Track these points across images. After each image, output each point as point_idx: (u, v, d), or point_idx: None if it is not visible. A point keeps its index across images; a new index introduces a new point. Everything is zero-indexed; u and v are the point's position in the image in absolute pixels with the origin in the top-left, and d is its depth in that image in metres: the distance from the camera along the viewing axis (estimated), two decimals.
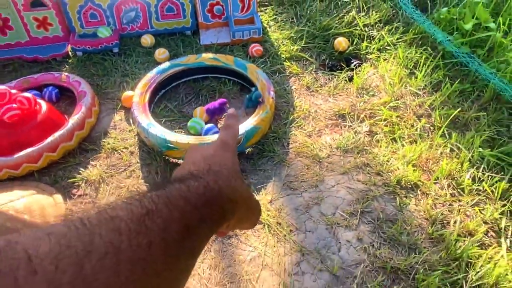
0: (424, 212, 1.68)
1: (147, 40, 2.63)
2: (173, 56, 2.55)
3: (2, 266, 0.25)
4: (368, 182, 1.81)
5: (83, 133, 2.06)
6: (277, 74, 2.43)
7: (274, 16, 2.86)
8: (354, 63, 2.47)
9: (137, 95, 2.13)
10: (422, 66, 2.30)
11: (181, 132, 2.12)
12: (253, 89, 2.14)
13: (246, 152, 2.00)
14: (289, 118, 2.15)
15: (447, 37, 2.38)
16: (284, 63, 2.50)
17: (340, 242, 1.60)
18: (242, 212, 0.46)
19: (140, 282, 0.31)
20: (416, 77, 2.27)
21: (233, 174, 0.47)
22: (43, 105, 2.10)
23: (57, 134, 1.97)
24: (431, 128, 2.04)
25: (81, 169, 1.95)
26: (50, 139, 1.94)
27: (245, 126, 1.96)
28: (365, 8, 2.77)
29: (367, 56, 2.51)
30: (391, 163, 1.87)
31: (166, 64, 2.31)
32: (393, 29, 2.61)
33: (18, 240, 0.27)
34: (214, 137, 1.92)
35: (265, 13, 2.91)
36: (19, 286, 0.25)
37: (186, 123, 2.15)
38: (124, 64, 2.51)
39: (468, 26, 2.34)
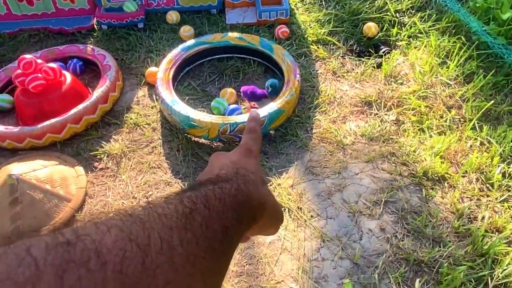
0: (451, 205, 1.63)
1: (172, 16, 2.59)
2: (198, 34, 2.52)
3: (76, 258, 0.26)
4: (393, 171, 1.76)
5: (107, 106, 2.05)
6: (303, 57, 2.38)
7: None
8: (383, 49, 2.40)
9: (161, 71, 2.11)
10: (455, 56, 2.22)
11: (204, 111, 2.10)
12: (269, 81, 2.12)
13: (269, 134, 1.97)
14: (313, 103, 2.11)
15: (483, 26, 2.29)
16: (311, 46, 2.44)
17: (362, 231, 1.56)
18: (267, 218, 0.47)
19: (191, 277, 0.32)
20: (448, 67, 2.19)
21: (259, 179, 0.47)
22: (68, 77, 2.10)
23: (81, 106, 1.96)
24: (461, 120, 1.97)
25: (104, 142, 1.95)
26: (74, 110, 1.94)
27: (269, 108, 1.92)
28: None
29: (397, 43, 2.44)
30: (418, 154, 1.82)
31: (191, 42, 2.27)
32: (426, 16, 2.52)
33: (85, 232, 0.28)
34: (238, 117, 1.89)
35: None
36: (93, 276, 0.26)
37: (209, 103, 2.12)
38: (148, 39, 2.49)
39: (506, 16, 2.24)
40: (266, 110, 1.91)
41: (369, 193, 1.69)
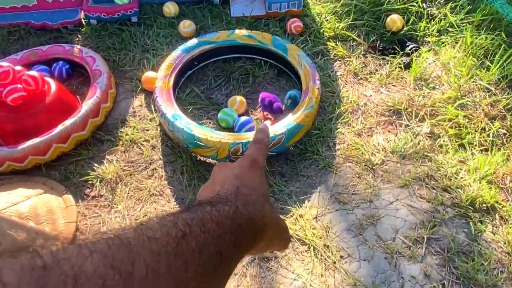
0: (504, 243, 1.40)
1: (170, 8, 2.29)
2: (199, 29, 2.22)
3: (51, 284, 0.25)
4: (434, 200, 1.52)
5: (98, 120, 1.78)
6: (319, 57, 2.10)
7: None
8: (410, 46, 2.12)
9: (160, 78, 1.83)
10: (495, 56, 1.95)
11: (210, 123, 1.84)
12: (289, 92, 1.85)
13: (286, 151, 1.72)
14: (335, 112, 1.85)
15: None
16: (328, 43, 2.16)
17: (403, 277, 1.33)
18: (270, 236, 0.45)
19: None
20: (488, 69, 1.93)
21: (262, 197, 0.46)
22: (52, 85, 1.81)
23: (68, 122, 1.69)
24: (507, 133, 1.72)
25: (96, 164, 1.69)
26: (60, 127, 1.67)
27: (287, 122, 1.66)
28: None
29: (425, 38, 2.16)
30: (460, 177, 1.57)
31: (194, 42, 1.98)
32: (457, 7, 2.23)
33: (65, 256, 0.27)
34: (251, 135, 1.63)
35: None
36: None
37: (215, 112, 1.86)
38: (144, 36, 2.19)
39: None
40: (283, 125, 1.65)
41: (408, 228, 1.45)
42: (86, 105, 1.75)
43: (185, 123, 1.65)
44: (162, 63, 1.92)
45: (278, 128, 1.64)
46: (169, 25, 2.26)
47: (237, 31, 2.03)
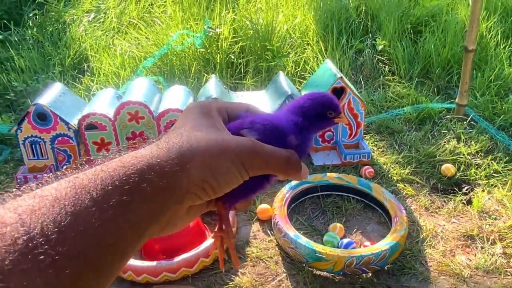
0: None
1: None
2: None
3: None
4: None
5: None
6: (393, 195, 2.59)
7: (375, 143, 3.14)
8: (466, 187, 2.63)
9: (277, 208, 2.31)
10: None
11: None
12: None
13: (386, 268, 2.07)
14: (419, 237, 2.25)
15: None
16: (397, 184, 2.68)
17: None
18: (214, 163, 0.39)
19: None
20: None
21: (190, 129, 0.41)
22: None
23: (209, 241, 2.11)
24: None
25: (232, 276, 2.04)
26: (205, 244, 2.08)
27: (388, 241, 2.06)
28: (463, 138, 3.02)
29: (477, 181, 2.68)
30: None
31: (296, 181, 2.52)
32: (497, 158, 2.81)
33: None
34: (363, 250, 2.02)
35: (366, 139, 3.19)
36: None
37: (318, 237, 2.27)
38: None
39: None
40: (385, 243, 2.05)
41: None
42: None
43: (305, 241, 2.06)
44: (274, 197, 2.42)
45: (382, 246, 2.03)
46: None
47: (328, 173, 2.59)
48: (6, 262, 0.27)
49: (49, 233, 0.29)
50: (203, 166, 0.38)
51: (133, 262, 2.02)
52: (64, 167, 0.36)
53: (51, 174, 0.35)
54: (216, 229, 0.54)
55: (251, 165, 0.41)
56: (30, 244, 0.28)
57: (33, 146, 2.71)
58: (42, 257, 0.28)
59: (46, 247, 0.29)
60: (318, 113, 0.51)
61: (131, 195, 0.34)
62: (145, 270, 2.00)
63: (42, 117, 2.65)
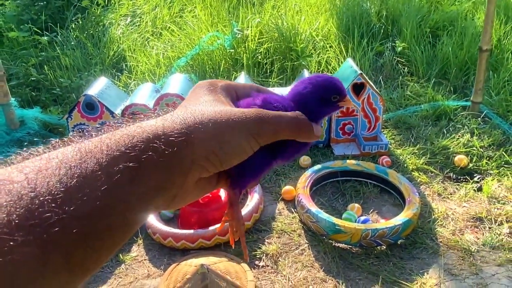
0: None
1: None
2: (313, 162, 3.02)
3: None
4: None
5: (257, 216, 2.45)
6: (408, 180, 2.80)
7: (393, 136, 3.35)
8: (478, 177, 2.81)
9: (300, 188, 2.55)
10: None
11: None
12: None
13: (399, 242, 2.28)
14: (431, 217, 2.45)
15: None
16: (412, 173, 2.89)
17: None
18: (218, 131, 0.39)
19: None
20: None
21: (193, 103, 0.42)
22: (223, 192, 2.55)
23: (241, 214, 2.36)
24: None
25: (260, 244, 2.29)
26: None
27: (401, 217, 2.27)
28: (476, 132, 3.20)
29: (488, 171, 2.86)
30: None
31: (319, 166, 2.76)
32: (508, 151, 2.99)
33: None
34: (378, 225, 2.24)
35: (384, 133, 3.41)
36: None
37: (338, 216, 2.49)
38: (278, 167, 3.00)
39: None
40: (399, 219, 2.26)
41: None
42: (251, 204, 2.45)
43: (326, 215, 2.30)
44: (298, 179, 2.66)
45: (396, 221, 2.25)
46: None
47: (348, 161, 2.82)
48: (13, 217, 0.28)
49: (56, 192, 0.30)
50: (209, 137, 0.38)
51: (173, 230, 2.29)
52: (70, 134, 0.37)
53: (58, 139, 0.35)
54: (226, 215, 0.52)
55: (260, 133, 0.41)
56: (36, 201, 0.29)
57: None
58: (48, 214, 0.29)
59: (52, 205, 0.29)
60: (322, 97, 0.49)
61: (138, 161, 0.34)
62: (184, 237, 2.26)
63: (90, 106, 2.97)
